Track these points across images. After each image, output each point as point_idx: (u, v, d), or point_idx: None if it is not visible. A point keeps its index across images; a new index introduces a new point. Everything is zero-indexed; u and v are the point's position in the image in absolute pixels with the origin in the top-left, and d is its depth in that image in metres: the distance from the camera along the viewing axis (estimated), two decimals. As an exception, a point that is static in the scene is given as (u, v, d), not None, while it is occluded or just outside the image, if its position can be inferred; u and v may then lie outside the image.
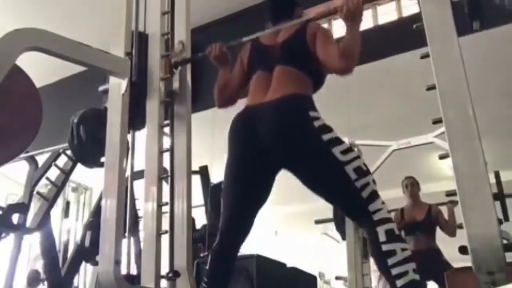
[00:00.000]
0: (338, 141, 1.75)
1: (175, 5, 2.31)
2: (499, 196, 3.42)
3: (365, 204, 1.67)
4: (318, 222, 4.48)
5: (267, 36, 2.07)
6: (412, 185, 4.54)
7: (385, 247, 1.59)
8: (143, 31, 2.26)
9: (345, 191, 1.72)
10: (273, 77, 1.91)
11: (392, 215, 4.36)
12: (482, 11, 1.88)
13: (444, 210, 4.39)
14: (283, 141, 1.78)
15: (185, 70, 2.24)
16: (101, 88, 2.30)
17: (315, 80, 1.94)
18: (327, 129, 1.76)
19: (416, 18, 1.83)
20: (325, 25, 6.19)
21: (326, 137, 1.74)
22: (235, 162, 1.90)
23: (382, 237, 1.60)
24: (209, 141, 4.59)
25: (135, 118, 2.09)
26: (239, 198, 1.88)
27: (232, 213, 1.88)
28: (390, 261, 1.57)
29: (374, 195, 1.69)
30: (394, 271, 1.56)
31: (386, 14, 5.81)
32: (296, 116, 1.79)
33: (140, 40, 2.19)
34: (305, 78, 1.90)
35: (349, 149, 1.76)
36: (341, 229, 4.30)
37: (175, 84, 2.20)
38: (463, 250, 1.63)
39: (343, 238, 4.33)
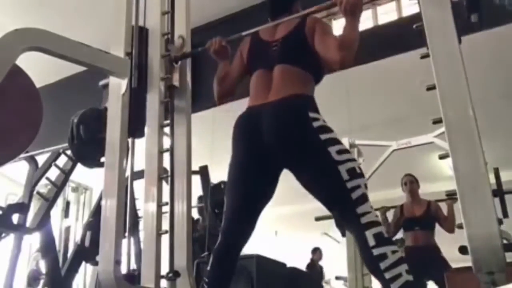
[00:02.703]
0: (335, 141, 1.76)
1: (175, 5, 2.31)
2: (499, 192, 3.42)
3: (353, 206, 1.67)
4: (318, 219, 4.48)
5: (266, 31, 2.07)
6: (411, 183, 4.55)
7: (376, 252, 1.59)
8: (143, 26, 2.25)
9: (335, 190, 1.72)
10: (273, 76, 1.92)
11: (381, 218, 4.38)
12: (480, 3, 1.89)
13: (443, 207, 4.40)
14: (283, 141, 1.80)
15: (185, 65, 2.24)
16: (101, 82, 2.30)
17: (316, 76, 1.95)
18: (326, 129, 1.77)
19: (416, 18, 1.83)
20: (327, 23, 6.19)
21: (324, 136, 1.75)
22: (239, 163, 1.91)
23: (371, 242, 1.60)
24: (209, 141, 4.60)
25: (135, 126, 2.08)
26: (242, 198, 1.88)
27: (235, 213, 1.88)
28: (383, 265, 1.57)
29: (364, 198, 1.69)
30: (388, 275, 1.56)
31: (386, 14, 5.81)
32: (296, 117, 1.80)
33: (140, 37, 2.18)
34: (306, 75, 1.91)
35: (346, 151, 1.77)
36: (341, 225, 4.30)
37: (175, 82, 2.20)
38: (463, 250, 1.63)
39: (343, 234, 4.33)
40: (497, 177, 3.50)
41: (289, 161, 1.83)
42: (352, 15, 1.81)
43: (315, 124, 1.77)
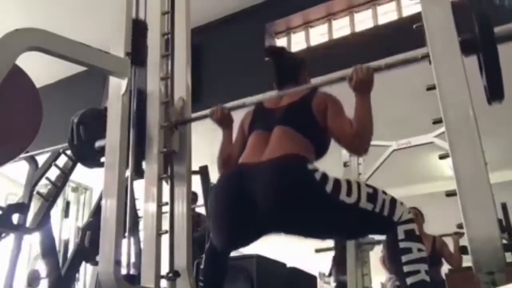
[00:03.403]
0: (338, 186, 1.69)
1: (175, 5, 2.31)
2: (507, 229, 3.43)
3: (389, 219, 1.68)
4: (318, 251, 4.50)
5: (271, 101, 2.02)
6: (415, 216, 4.52)
7: (402, 244, 1.62)
8: (141, 19, 2.24)
9: (369, 222, 1.71)
10: (272, 136, 1.85)
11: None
12: (503, 90, 1.70)
13: (448, 241, 4.35)
14: (283, 200, 1.68)
15: (186, 129, 2.19)
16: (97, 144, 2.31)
17: (317, 146, 1.86)
18: (326, 178, 1.70)
19: (416, 18, 1.83)
20: (325, 25, 6.20)
21: (328, 188, 1.67)
22: (221, 215, 1.83)
23: (401, 235, 1.63)
24: (209, 141, 4.59)
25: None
26: (226, 238, 1.86)
27: (219, 241, 1.87)
28: (405, 258, 1.59)
29: (392, 205, 1.69)
30: (406, 268, 1.58)
31: (386, 14, 5.81)
32: (295, 173, 1.71)
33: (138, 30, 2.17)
34: (306, 141, 1.82)
35: (350, 186, 1.70)
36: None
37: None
38: (463, 250, 1.63)
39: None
40: (506, 213, 3.49)
41: (292, 222, 1.72)
42: (363, 92, 1.78)
43: (317, 176, 1.69)
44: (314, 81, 2.06)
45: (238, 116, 2.11)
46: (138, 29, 2.12)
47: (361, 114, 1.77)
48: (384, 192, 1.73)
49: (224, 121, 2.07)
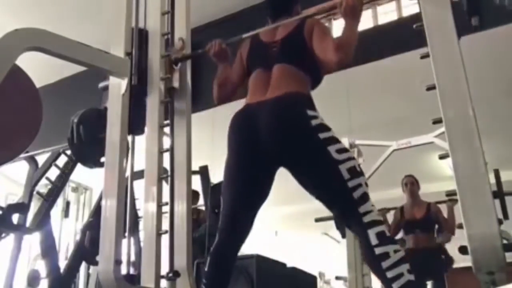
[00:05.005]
0: (334, 140, 1.75)
1: (175, 5, 2.30)
2: (499, 194, 3.40)
3: (356, 205, 1.67)
4: (318, 220, 4.48)
5: (266, 33, 2.07)
6: (411, 184, 4.55)
7: (378, 251, 1.59)
8: (143, 28, 2.25)
9: (336, 190, 1.72)
10: (272, 75, 1.92)
11: (385, 216, 4.39)
12: (480, 6, 1.88)
13: (443, 208, 4.40)
14: (281, 139, 1.79)
15: (185, 67, 2.23)
16: (101, 84, 2.30)
17: (313, 78, 1.95)
18: (325, 128, 1.77)
19: (416, 18, 1.83)
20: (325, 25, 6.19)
21: (322, 135, 1.74)
22: (234, 160, 1.90)
23: (373, 240, 1.60)
24: (209, 141, 4.59)
25: (134, 123, 2.08)
26: (239, 196, 1.88)
27: (232, 211, 1.87)
28: (384, 264, 1.57)
29: (365, 197, 1.69)
30: (389, 274, 1.56)
31: (386, 14, 5.81)
32: (294, 114, 1.80)
33: (140, 38, 2.18)
34: (304, 76, 1.91)
35: (345, 149, 1.77)
36: (341, 227, 4.30)
37: (175, 84, 2.20)
38: (463, 250, 1.63)
39: (343, 236, 4.32)
40: (498, 178, 3.49)
41: (286, 159, 1.82)
42: (352, 18, 1.82)
43: (314, 122, 1.76)
44: (306, 12, 2.08)
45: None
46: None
47: (347, 32, 1.81)
48: (367, 184, 1.74)
49: (221, 55, 2.12)
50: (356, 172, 1.71)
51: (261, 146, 1.81)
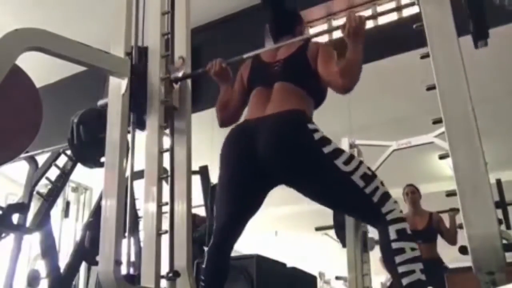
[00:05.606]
0: (338, 151, 1.74)
1: (175, 5, 2.30)
2: (501, 204, 3.40)
3: (377, 208, 1.68)
4: (318, 229, 4.48)
5: (267, 53, 2.06)
6: (412, 193, 4.54)
7: (394, 245, 1.61)
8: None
9: (356, 200, 1.72)
10: (273, 92, 1.91)
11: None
12: (488, 30, 1.78)
13: (444, 217, 4.38)
14: (283, 155, 1.77)
15: (185, 86, 2.19)
16: (100, 102, 2.29)
17: (316, 98, 1.94)
18: (327, 141, 1.76)
19: (416, 18, 1.83)
20: (324, 26, 6.20)
21: (326, 149, 1.73)
22: (229, 177, 1.90)
23: (393, 235, 1.62)
24: (209, 141, 4.59)
25: (139, 119, 2.08)
26: (233, 210, 1.90)
27: (225, 221, 1.91)
28: (398, 259, 1.58)
29: (385, 197, 1.69)
30: (401, 269, 1.57)
31: (386, 14, 5.80)
32: (295, 130, 1.78)
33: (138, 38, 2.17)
34: (305, 95, 1.90)
35: (351, 158, 1.76)
36: (340, 236, 4.29)
37: (175, 83, 2.19)
38: (463, 250, 1.63)
39: (343, 245, 4.30)
40: (500, 188, 3.48)
41: (289, 176, 1.81)
42: (356, 40, 1.80)
43: (316, 136, 1.75)
44: (310, 32, 2.07)
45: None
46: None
47: (351, 56, 1.80)
48: (383, 184, 1.73)
49: (222, 75, 2.09)
50: (369, 177, 1.71)
51: (259, 163, 1.79)
